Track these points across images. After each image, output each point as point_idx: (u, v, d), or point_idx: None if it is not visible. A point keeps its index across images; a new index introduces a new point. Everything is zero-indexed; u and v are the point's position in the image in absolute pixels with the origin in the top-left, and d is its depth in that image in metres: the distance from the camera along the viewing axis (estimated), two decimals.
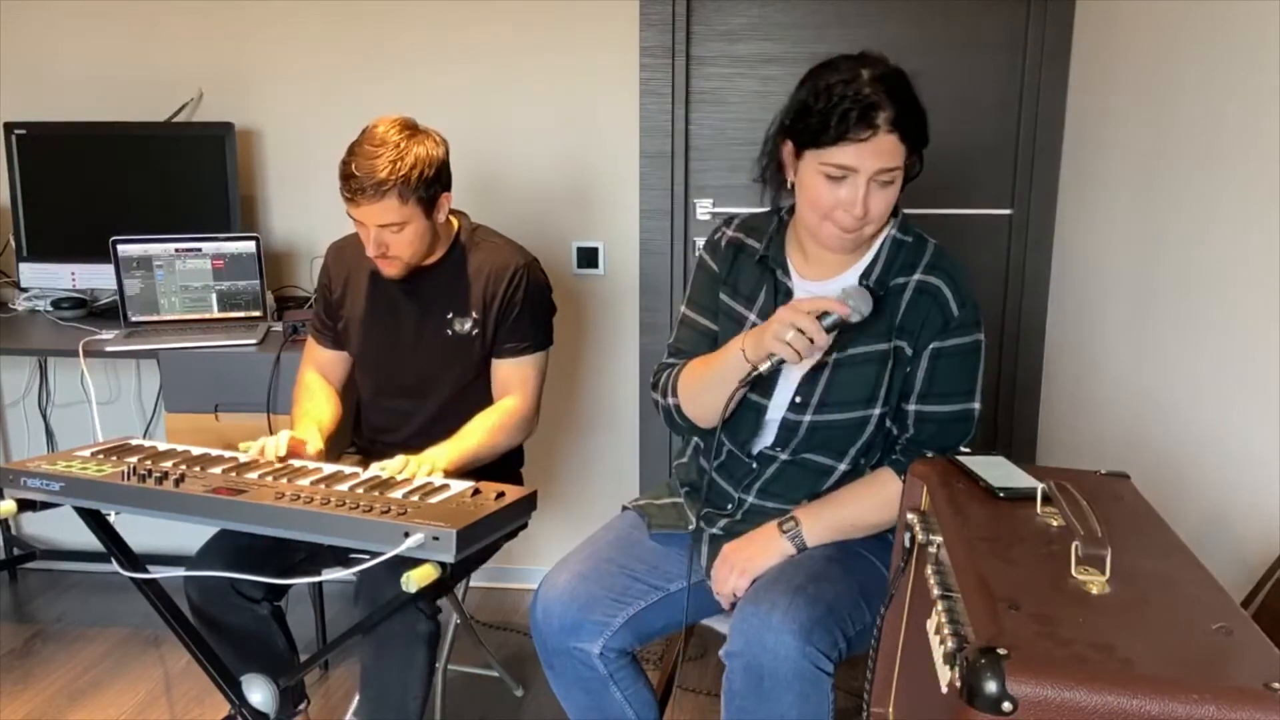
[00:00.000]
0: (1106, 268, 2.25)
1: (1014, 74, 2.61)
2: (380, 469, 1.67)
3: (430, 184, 1.84)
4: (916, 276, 1.53)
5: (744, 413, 1.61)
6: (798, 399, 1.57)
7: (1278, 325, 1.48)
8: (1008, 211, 2.68)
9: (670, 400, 1.63)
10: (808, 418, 1.57)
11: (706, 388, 1.56)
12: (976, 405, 1.55)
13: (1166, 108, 1.93)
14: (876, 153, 1.39)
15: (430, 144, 1.86)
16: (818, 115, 1.40)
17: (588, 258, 2.77)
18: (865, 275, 1.55)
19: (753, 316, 1.62)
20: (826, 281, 1.58)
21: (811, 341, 1.39)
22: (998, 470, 1.30)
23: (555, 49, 2.67)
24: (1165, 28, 1.96)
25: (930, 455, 1.50)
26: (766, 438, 1.63)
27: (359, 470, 1.67)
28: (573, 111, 2.70)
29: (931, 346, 1.52)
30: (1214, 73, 1.73)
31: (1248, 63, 1.60)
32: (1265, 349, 1.52)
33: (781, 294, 1.60)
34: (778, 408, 1.60)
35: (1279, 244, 1.48)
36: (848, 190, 1.43)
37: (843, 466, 1.60)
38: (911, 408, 1.55)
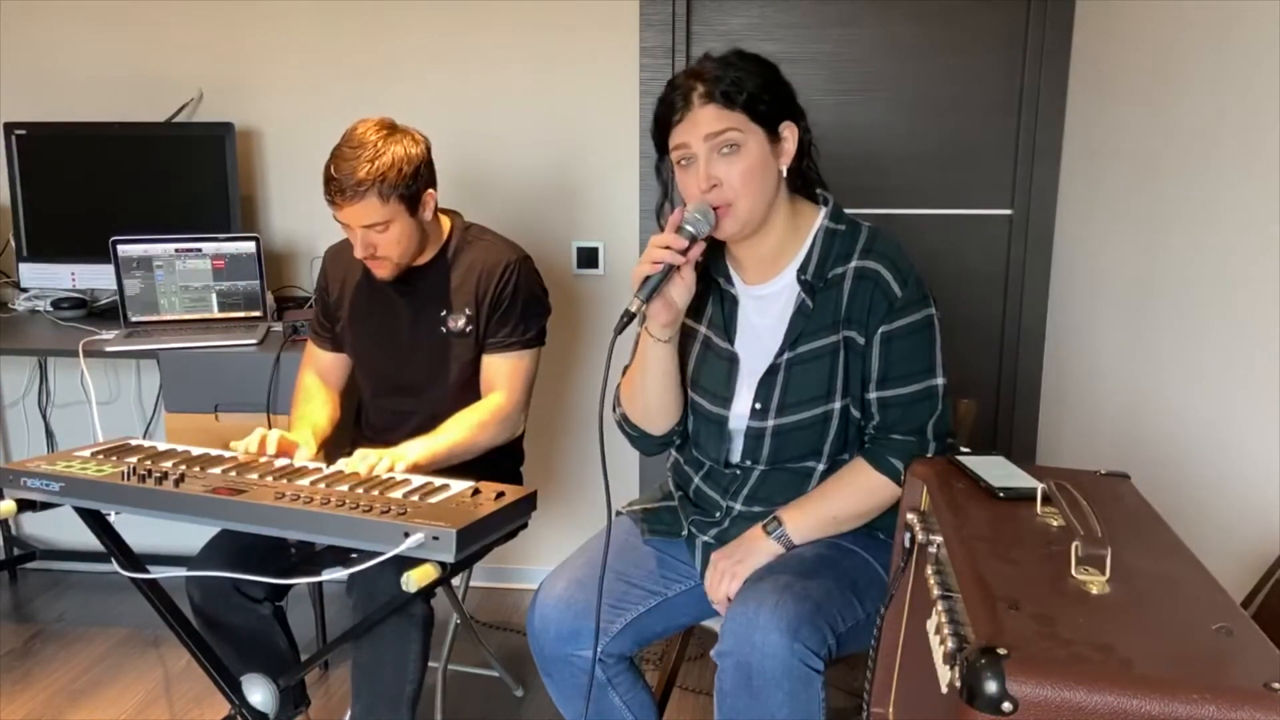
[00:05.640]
0: (1106, 268, 2.25)
1: (1014, 74, 2.61)
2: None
3: (410, 182, 1.84)
4: (854, 263, 1.54)
5: (706, 427, 1.64)
6: (757, 405, 1.58)
7: (1277, 325, 1.48)
8: (1008, 211, 2.68)
9: (617, 412, 1.70)
10: (770, 423, 1.57)
11: (635, 382, 1.64)
12: (939, 380, 1.54)
13: (1167, 107, 1.93)
14: (696, 123, 1.47)
15: (409, 142, 1.86)
16: (656, 122, 1.54)
17: (588, 258, 2.77)
18: (802, 269, 1.56)
19: (703, 329, 1.65)
20: (768, 282, 1.60)
21: (669, 249, 1.44)
22: (998, 470, 1.30)
23: (555, 49, 2.67)
24: (1165, 27, 1.96)
25: (900, 439, 1.54)
26: (735, 451, 1.63)
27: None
28: (573, 111, 2.70)
29: (880, 331, 1.52)
30: (1214, 72, 1.73)
31: (1248, 62, 1.60)
32: (1265, 349, 1.52)
33: (728, 301, 1.63)
34: (739, 418, 1.60)
35: (1279, 244, 1.48)
36: (694, 169, 1.50)
37: (821, 466, 1.60)
38: (873, 395, 1.55)
